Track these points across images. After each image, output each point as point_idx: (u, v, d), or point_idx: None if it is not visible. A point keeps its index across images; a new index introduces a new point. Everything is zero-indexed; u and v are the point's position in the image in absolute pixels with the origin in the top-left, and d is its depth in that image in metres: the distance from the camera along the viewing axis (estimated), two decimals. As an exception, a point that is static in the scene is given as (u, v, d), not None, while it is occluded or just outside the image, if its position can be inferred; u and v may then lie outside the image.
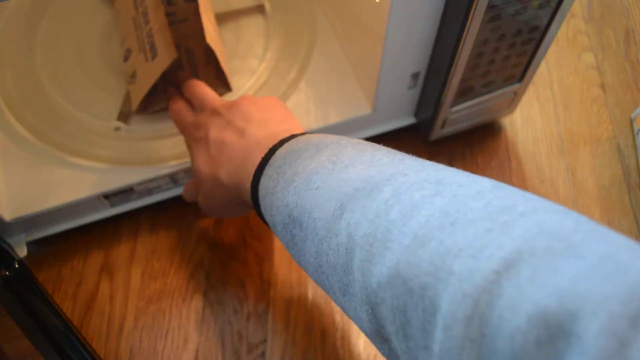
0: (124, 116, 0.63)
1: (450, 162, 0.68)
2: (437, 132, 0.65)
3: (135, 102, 0.60)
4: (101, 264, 0.62)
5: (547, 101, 0.74)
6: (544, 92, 0.74)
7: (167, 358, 0.57)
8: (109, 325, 0.59)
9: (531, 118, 0.72)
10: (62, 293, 0.61)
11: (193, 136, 0.52)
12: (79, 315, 0.59)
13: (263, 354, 0.57)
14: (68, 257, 0.62)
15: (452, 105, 0.61)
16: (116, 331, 0.58)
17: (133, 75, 0.61)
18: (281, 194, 0.41)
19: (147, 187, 0.61)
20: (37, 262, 0.61)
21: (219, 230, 0.64)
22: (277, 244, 0.63)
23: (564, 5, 0.53)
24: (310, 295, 0.60)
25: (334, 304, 0.60)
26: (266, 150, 0.45)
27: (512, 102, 0.66)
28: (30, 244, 0.60)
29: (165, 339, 0.58)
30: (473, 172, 0.67)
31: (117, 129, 0.62)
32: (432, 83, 0.60)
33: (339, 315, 0.59)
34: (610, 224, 0.65)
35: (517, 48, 0.57)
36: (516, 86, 0.63)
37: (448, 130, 0.65)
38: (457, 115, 0.63)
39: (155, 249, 0.63)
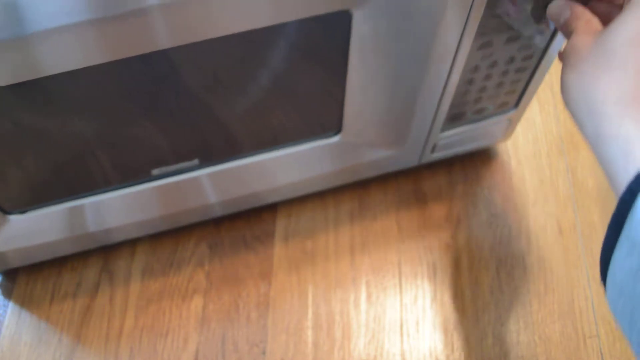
0: None
1: (450, 163, 0.68)
2: (427, 156, 0.63)
3: None
4: (101, 264, 0.62)
5: (547, 101, 0.74)
6: (543, 93, 0.74)
7: (167, 358, 0.57)
8: (109, 325, 0.59)
9: (531, 118, 0.72)
10: (62, 293, 0.60)
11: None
12: (79, 315, 0.59)
13: (263, 353, 0.57)
14: (68, 257, 0.62)
15: (443, 130, 0.59)
16: (116, 331, 0.58)
17: None
18: None
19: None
20: (37, 262, 0.61)
21: (219, 231, 0.64)
22: (277, 244, 0.63)
23: (560, 35, 0.50)
24: (310, 294, 0.60)
25: (334, 303, 0.60)
26: None
27: (507, 129, 0.63)
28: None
29: (165, 339, 0.58)
30: (472, 172, 0.67)
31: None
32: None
33: (339, 315, 0.59)
34: (610, 224, 0.65)
35: (511, 76, 0.54)
36: (511, 113, 0.60)
37: (438, 155, 0.63)
38: (447, 140, 0.61)
39: (155, 249, 0.63)
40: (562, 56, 0.44)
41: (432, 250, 0.63)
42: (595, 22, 0.42)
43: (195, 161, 0.54)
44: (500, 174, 0.68)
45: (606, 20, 0.44)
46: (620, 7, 0.43)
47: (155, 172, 0.53)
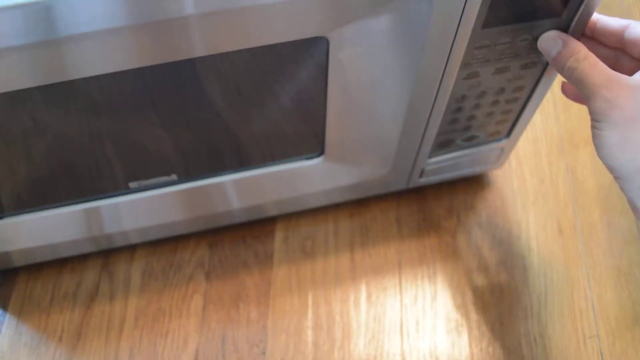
0: None
1: (450, 162, 0.68)
2: (415, 181, 0.62)
3: None
4: (101, 264, 0.62)
5: (546, 101, 0.74)
6: (543, 93, 0.74)
7: (167, 358, 0.57)
8: (109, 325, 0.59)
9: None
10: (62, 293, 0.61)
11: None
12: (79, 315, 0.59)
13: (263, 353, 0.57)
14: (68, 257, 0.62)
15: (430, 157, 0.58)
16: (116, 331, 0.58)
17: None
18: None
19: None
20: (37, 262, 0.61)
21: (218, 231, 0.64)
22: (277, 244, 0.63)
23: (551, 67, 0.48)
24: (310, 294, 0.60)
25: (334, 303, 0.60)
26: None
27: (500, 157, 0.62)
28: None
29: (165, 339, 0.58)
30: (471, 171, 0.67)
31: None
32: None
33: (339, 315, 0.59)
34: (610, 224, 0.65)
35: (502, 106, 0.52)
36: (503, 142, 0.59)
37: (426, 180, 0.62)
38: (436, 166, 0.59)
39: (155, 249, 0.63)
40: (566, 90, 0.45)
41: (432, 250, 0.63)
42: (594, 59, 0.41)
43: (174, 177, 0.53)
44: (500, 174, 0.68)
45: (611, 64, 0.43)
46: (622, 50, 0.43)
47: (132, 185, 0.53)
